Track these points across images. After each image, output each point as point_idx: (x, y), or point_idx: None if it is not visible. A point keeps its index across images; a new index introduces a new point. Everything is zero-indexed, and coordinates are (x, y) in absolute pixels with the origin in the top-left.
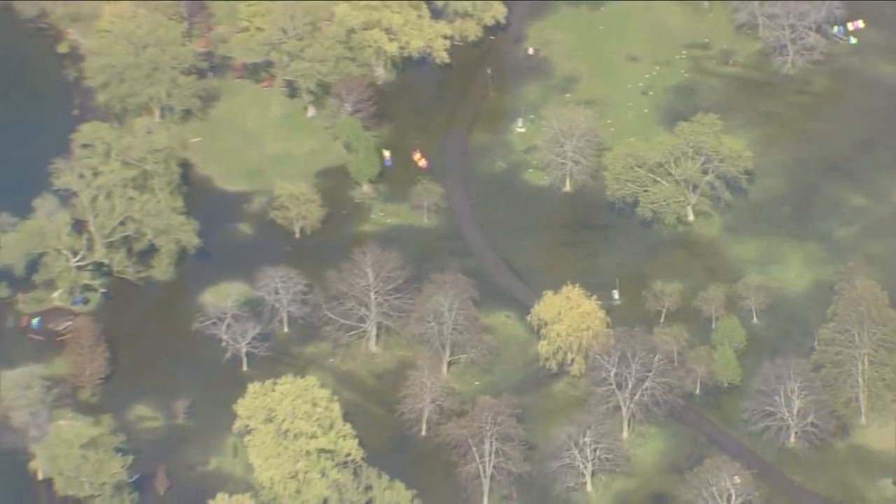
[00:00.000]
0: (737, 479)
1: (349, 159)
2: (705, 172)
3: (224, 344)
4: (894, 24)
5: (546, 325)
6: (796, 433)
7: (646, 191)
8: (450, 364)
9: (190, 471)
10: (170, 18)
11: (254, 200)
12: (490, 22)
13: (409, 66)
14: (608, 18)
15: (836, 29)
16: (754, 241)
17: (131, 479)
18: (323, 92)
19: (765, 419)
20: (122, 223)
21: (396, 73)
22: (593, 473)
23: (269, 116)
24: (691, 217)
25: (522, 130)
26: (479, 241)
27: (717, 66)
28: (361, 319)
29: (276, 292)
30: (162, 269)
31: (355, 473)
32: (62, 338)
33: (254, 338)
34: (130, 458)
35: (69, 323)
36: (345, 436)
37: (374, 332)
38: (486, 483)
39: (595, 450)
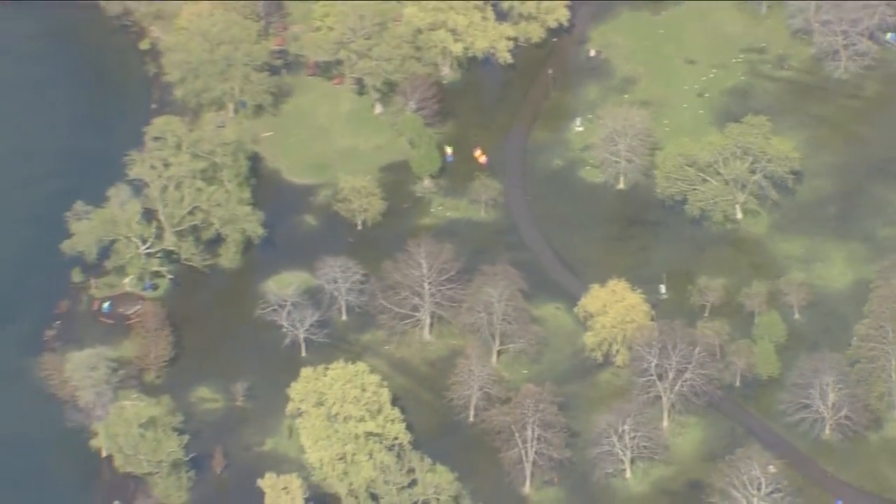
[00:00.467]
0: (772, 469)
1: (412, 155)
2: (753, 172)
3: (284, 330)
4: None
5: (592, 316)
6: (831, 425)
7: (694, 189)
8: (499, 353)
9: (246, 451)
10: (246, 18)
11: (319, 193)
12: (553, 24)
13: (474, 66)
14: (668, 23)
15: (888, 36)
16: (800, 239)
17: (187, 458)
18: (389, 90)
19: (801, 411)
20: (190, 213)
21: (461, 73)
22: (632, 460)
23: (338, 112)
24: (740, 215)
25: (581, 129)
26: (533, 236)
27: (772, 70)
28: (415, 309)
29: (335, 281)
30: (228, 257)
31: (399, 456)
32: (131, 322)
33: (312, 325)
34: (186, 437)
35: (138, 308)
36: (392, 420)
37: (427, 321)
38: (527, 468)
39: (634, 437)
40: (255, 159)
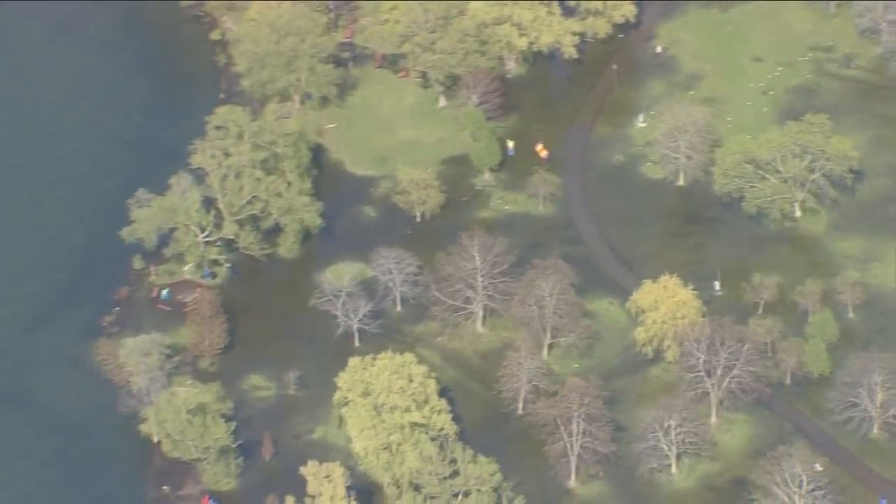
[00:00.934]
0: (817, 467)
1: (473, 148)
2: (812, 171)
3: (338, 320)
4: None
5: (643, 312)
6: (879, 424)
7: (752, 187)
8: (550, 347)
9: (296, 439)
10: (315, 10)
11: (380, 185)
12: (620, 20)
13: (540, 60)
14: (736, 20)
15: None
16: (858, 238)
17: (235, 445)
18: (453, 83)
19: (849, 410)
20: (249, 202)
21: (526, 68)
22: (678, 456)
23: (402, 105)
24: (799, 213)
25: (644, 125)
26: (590, 231)
27: (838, 69)
28: (468, 301)
29: (390, 272)
30: (287, 247)
31: (441, 447)
32: (188, 309)
33: (366, 315)
34: (234, 424)
35: (196, 295)
36: (438, 411)
37: (480, 314)
38: (573, 461)
39: (680, 433)
40: (318, 150)
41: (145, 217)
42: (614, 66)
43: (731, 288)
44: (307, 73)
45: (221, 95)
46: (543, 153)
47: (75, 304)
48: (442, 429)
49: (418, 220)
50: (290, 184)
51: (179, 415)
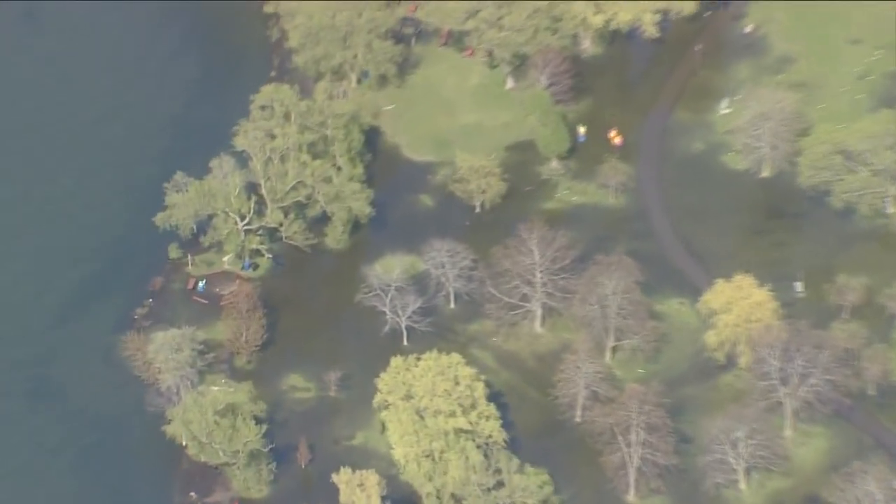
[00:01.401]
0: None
1: (540, 133)
2: None
3: (387, 317)
4: None
5: (715, 314)
6: None
7: (841, 179)
8: (614, 350)
9: (335, 445)
10: None
11: (438, 172)
12: None
13: (617, 40)
14: None
15: None
16: None
17: (267, 449)
18: (522, 63)
19: None
20: (293, 188)
21: (602, 47)
22: (747, 470)
23: (466, 86)
24: (891, 209)
25: (728, 111)
26: (663, 224)
27: None
28: (525, 299)
29: (443, 266)
30: (335, 237)
31: (486, 455)
32: (225, 302)
33: (416, 312)
34: (264, 426)
35: (235, 288)
36: (487, 417)
37: (539, 313)
38: (631, 474)
39: (750, 446)
40: (373, 134)
41: (181, 202)
42: (698, 47)
43: (814, 289)
44: (364, 49)
45: (273, 73)
46: (617, 140)
47: (107, 294)
48: (490, 436)
49: (478, 210)
50: (339, 169)
51: (206, 416)
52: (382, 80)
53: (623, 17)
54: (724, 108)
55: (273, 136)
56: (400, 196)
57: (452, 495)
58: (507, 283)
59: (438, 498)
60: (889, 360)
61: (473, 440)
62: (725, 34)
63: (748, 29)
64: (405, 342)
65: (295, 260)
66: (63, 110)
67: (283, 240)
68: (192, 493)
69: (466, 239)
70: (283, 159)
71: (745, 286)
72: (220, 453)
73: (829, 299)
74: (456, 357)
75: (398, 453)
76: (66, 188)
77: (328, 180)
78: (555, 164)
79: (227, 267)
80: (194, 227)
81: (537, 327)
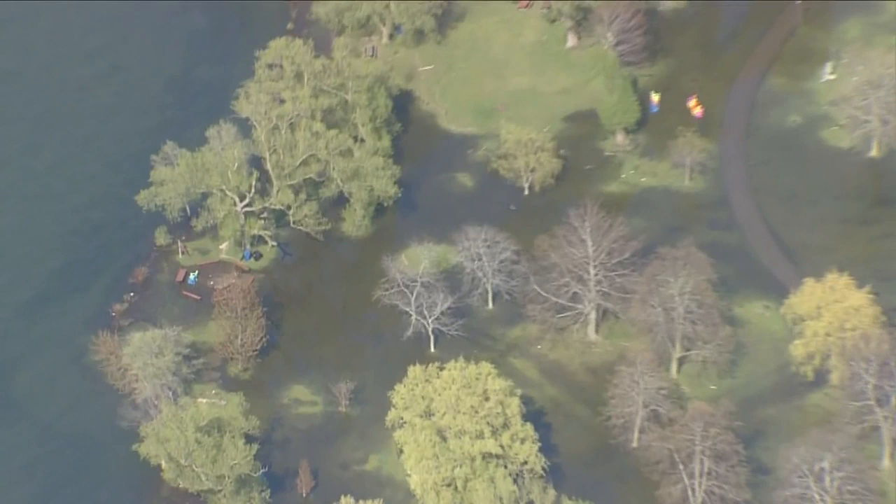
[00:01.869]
0: None
1: (603, 102)
2: None
3: (413, 319)
4: None
5: (802, 320)
6: None
7: None
8: (681, 362)
9: (343, 470)
10: None
11: (481, 146)
12: None
13: None
14: None
15: None
16: None
17: (260, 473)
18: (584, 17)
19: None
20: (304, 163)
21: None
22: None
23: (519, 43)
24: None
25: (831, 77)
26: (748, 211)
27: None
28: (576, 299)
29: (479, 259)
30: (354, 222)
31: (516, 483)
32: (217, 299)
33: (444, 313)
34: (255, 446)
35: (234, 281)
36: (522, 439)
37: (592, 316)
38: None
39: (837, 479)
40: (405, 99)
41: (169, 178)
42: (800, 0)
43: None
44: None
45: (290, 26)
46: (697, 110)
47: (83, 286)
48: (525, 462)
49: (526, 192)
50: (361, 141)
51: (186, 433)
52: (418, 35)
53: None
54: (827, 74)
55: (282, 101)
56: (433, 174)
57: None
58: (554, 279)
59: None
60: None
61: (505, 467)
62: None
63: None
64: (432, 349)
65: (305, 249)
66: (47, 72)
67: (292, 225)
68: None
69: (510, 226)
70: (292, 128)
71: (839, 287)
72: (203, 478)
73: None
74: (486, 367)
75: (414, 481)
76: (47, 162)
77: (346, 154)
78: (620, 138)
79: (223, 256)
80: (187, 208)
81: (590, 334)
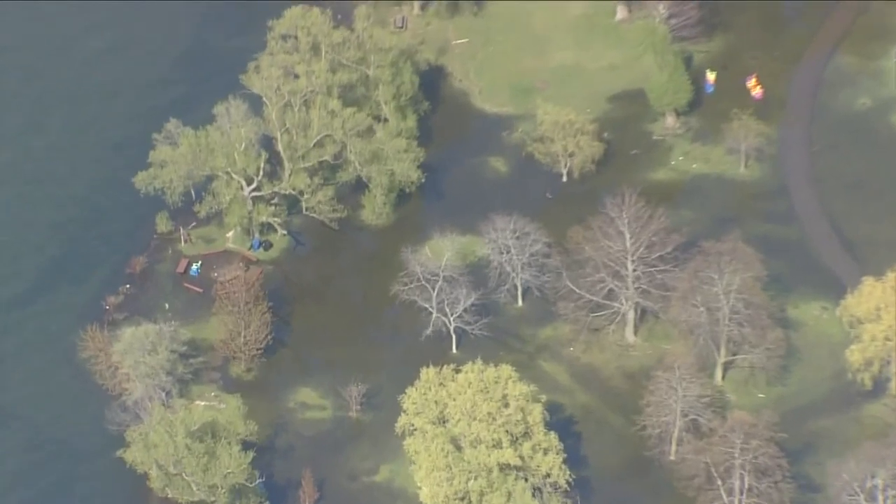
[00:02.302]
0: None
1: (653, 80)
2: None
3: (434, 316)
4: None
5: (860, 323)
6: None
7: None
8: (727, 367)
9: (351, 481)
10: None
11: (517, 127)
12: None
13: None
14: None
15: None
16: None
17: (254, 483)
18: None
19: None
20: (318, 144)
21: None
22: None
23: (564, 15)
24: None
25: None
26: (809, 203)
27: None
28: (612, 296)
29: (508, 251)
30: (374, 209)
31: (535, 496)
32: (219, 292)
33: (468, 310)
34: (251, 453)
35: (240, 273)
36: (545, 449)
37: (630, 316)
38: None
39: (892, 497)
40: (435, 75)
41: (170, 159)
42: None
43: None
44: None
45: None
46: (757, 91)
47: (76, 276)
48: (548, 475)
49: (564, 179)
50: (384, 121)
51: (176, 438)
52: (453, 5)
53: None
54: None
55: (296, 76)
56: (464, 158)
57: None
58: (589, 275)
59: None
60: None
61: (525, 479)
62: None
63: None
64: (454, 349)
65: (320, 238)
66: (48, 46)
67: (304, 212)
68: None
69: (545, 216)
70: (306, 106)
71: None
72: (193, 487)
73: None
74: (506, 370)
75: (425, 494)
76: (46, 142)
77: (366, 135)
78: (671, 120)
79: (230, 245)
80: (192, 192)
81: (628, 335)
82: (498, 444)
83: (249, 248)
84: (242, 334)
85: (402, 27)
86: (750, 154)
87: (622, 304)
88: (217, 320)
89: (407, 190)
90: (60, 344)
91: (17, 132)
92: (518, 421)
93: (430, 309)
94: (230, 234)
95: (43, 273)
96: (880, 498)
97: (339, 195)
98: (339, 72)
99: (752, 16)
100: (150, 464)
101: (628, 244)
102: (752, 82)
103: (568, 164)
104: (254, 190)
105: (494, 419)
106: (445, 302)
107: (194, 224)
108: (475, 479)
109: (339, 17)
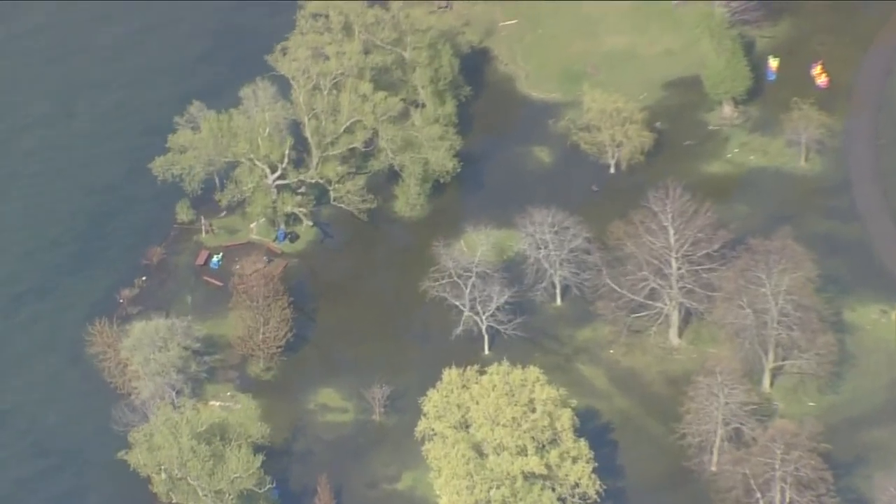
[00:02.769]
0: None
1: (709, 66)
2: None
3: (466, 314)
4: None
5: None
6: None
7: None
8: (775, 373)
9: (370, 489)
10: None
11: (564, 115)
12: None
13: None
14: None
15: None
16: None
17: (264, 489)
18: None
19: None
20: (348, 130)
21: None
22: None
23: None
24: None
25: None
26: (873, 199)
27: None
28: (655, 296)
29: (546, 246)
30: (407, 200)
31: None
32: (237, 287)
33: (502, 308)
34: (261, 457)
35: (260, 266)
36: (575, 458)
37: (675, 317)
38: None
39: None
40: (479, 58)
41: (190, 144)
42: None
43: None
44: None
45: None
46: (822, 79)
47: (89, 267)
48: (576, 485)
49: (612, 171)
50: (421, 106)
51: (181, 439)
52: None
53: None
54: None
55: (326, 57)
56: (506, 147)
57: None
58: (630, 272)
59: None
60: None
61: (553, 489)
62: None
63: None
64: (486, 350)
65: (351, 230)
66: (74, 29)
67: (332, 202)
68: None
69: (589, 210)
70: (336, 89)
71: None
72: (199, 492)
73: None
74: (533, 372)
75: (444, 503)
76: (76, 128)
77: (399, 121)
78: (728, 109)
79: (254, 237)
80: (217, 179)
81: (672, 338)
82: (522, 452)
83: (274, 240)
84: (261, 331)
85: (446, 7)
86: (811, 146)
87: (665, 305)
88: (235, 316)
89: (441, 180)
90: (66, 339)
91: (44, 118)
92: (545, 427)
93: (461, 307)
94: (254, 224)
95: (59, 262)
96: None
97: (371, 185)
98: (372, 53)
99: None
100: (153, 467)
101: (672, 240)
102: (817, 70)
103: (616, 155)
104: (278, 178)
105: (519, 424)
106: (478, 300)
107: (225, 214)
108: (497, 488)
109: None
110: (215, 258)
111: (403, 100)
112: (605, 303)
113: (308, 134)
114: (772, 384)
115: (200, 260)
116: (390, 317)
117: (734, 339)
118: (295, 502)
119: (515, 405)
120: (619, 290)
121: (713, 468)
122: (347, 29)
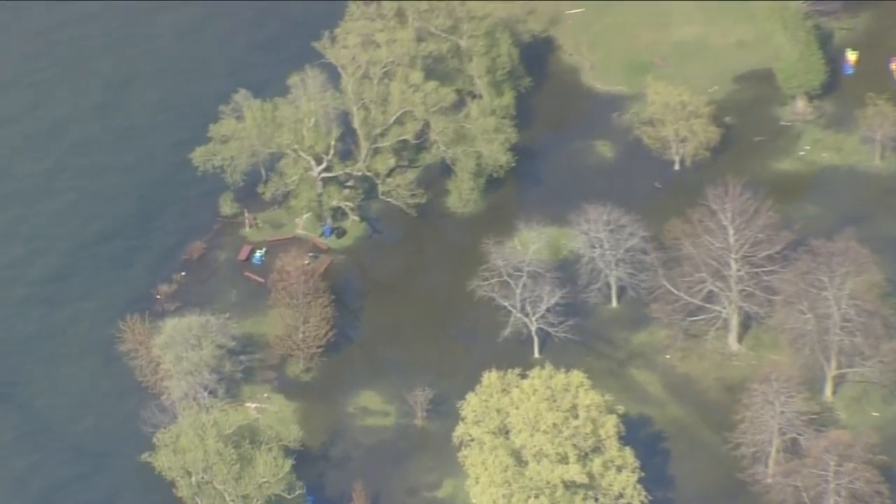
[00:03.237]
0: None
1: (782, 60)
2: None
3: (515, 315)
4: None
5: None
6: None
7: None
8: (838, 381)
9: (410, 496)
10: None
11: (628, 108)
12: None
13: None
14: None
15: None
16: None
17: (293, 495)
18: None
19: None
20: (398, 121)
21: None
22: None
23: None
24: None
25: None
26: None
27: None
28: (712, 298)
29: (600, 245)
30: (460, 196)
31: None
32: (276, 283)
33: (553, 310)
34: (290, 461)
35: (304, 263)
36: (619, 467)
37: (734, 321)
38: None
39: None
40: (542, 48)
41: (232, 133)
42: None
43: None
44: None
45: None
46: None
47: (127, 261)
48: (620, 495)
49: (676, 167)
50: (478, 97)
51: (207, 442)
52: None
53: None
54: None
55: (377, 45)
56: (567, 141)
57: None
58: (687, 274)
59: None
60: None
61: (596, 500)
62: None
63: None
64: (536, 353)
65: (400, 226)
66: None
67: (380, 196)
68: None
69: (650, 208)
70: (386, 78)
71: None
72: (225, 497)
73: None
74: (577, 376)
75: None
76: (125, 121)
77: (451, 112)
78: (801, 104)
79: (300, 231)
80: (263, 171)
81: (731, 343)
82: (563, 459)
83: (320, 236)
84: (300, 330)
85: None
86: (886, 144)
87: (723, 308)
88: (275, 314)
89: (495, 174)
90: (100, 336)
91: (93, 110)
92: (587, 434)
93: (511, 307)
94: (300, 219)
95: (104, 257)
96: None
97: (423, 179)
98: (426, 41)
99: None
100: (178, 470)
101: (731, 240)
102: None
103: (680, 151)
104: (324, 170)
105: (560, 431)
106: (528, 300)
107: (276, 207)
108: (536, 497)
109: None
110: (258, 253)
111: (459, 90)
112: (661, 305)
113: (357, 125)
114: (834, 393)
115: (243, 255)
116: (438, 317)
117: (793, 345)
118: None
119: (557, 410)
120: (675, 291)
121: (769, 480)
122: (400, 16)
